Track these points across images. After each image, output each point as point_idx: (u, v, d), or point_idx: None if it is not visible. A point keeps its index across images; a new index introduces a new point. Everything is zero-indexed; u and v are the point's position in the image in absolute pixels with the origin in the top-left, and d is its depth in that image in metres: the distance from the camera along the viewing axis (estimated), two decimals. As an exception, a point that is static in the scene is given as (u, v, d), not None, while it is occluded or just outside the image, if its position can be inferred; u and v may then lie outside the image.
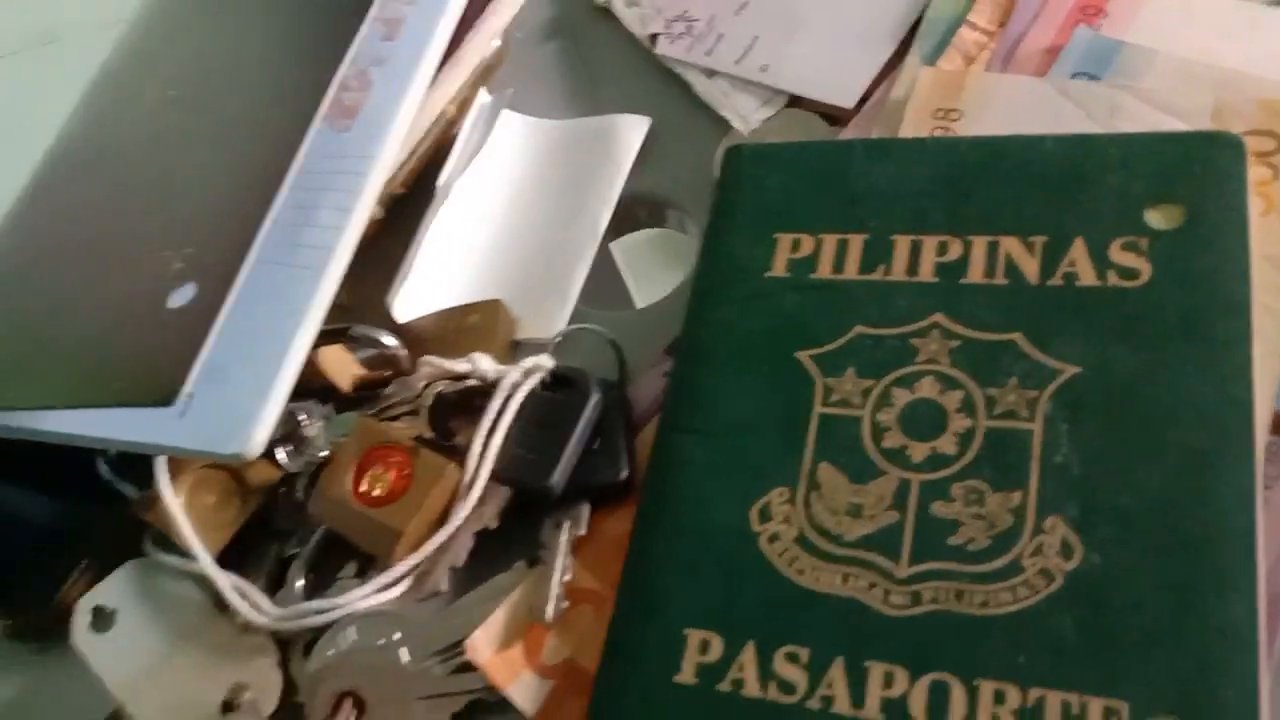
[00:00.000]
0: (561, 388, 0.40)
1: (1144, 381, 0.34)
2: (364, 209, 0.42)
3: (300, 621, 0.38)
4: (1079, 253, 0.36)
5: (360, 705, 0.36)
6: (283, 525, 0.42)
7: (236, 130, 0.44)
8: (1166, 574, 0.31)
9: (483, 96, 0.50)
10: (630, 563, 0.36)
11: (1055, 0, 0.43)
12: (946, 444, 0.35)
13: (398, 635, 0.37)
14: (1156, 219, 0.36)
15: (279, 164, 0.41)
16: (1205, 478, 0.32)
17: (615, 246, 0.48)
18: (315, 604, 0.38)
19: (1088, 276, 0.36)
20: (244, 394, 0.38)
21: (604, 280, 0.47)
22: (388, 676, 0.37)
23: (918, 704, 0.31)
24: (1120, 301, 0.35)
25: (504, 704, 0.36)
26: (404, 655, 0.37)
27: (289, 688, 0.38)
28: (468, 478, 0.39)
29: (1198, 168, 0.36)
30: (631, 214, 0.48)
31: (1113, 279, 0.35)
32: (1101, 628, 0.31)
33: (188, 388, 0.37)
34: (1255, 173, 0.37)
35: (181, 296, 0.38)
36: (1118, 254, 0.36)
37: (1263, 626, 0.30)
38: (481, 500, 0.39)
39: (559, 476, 0.38)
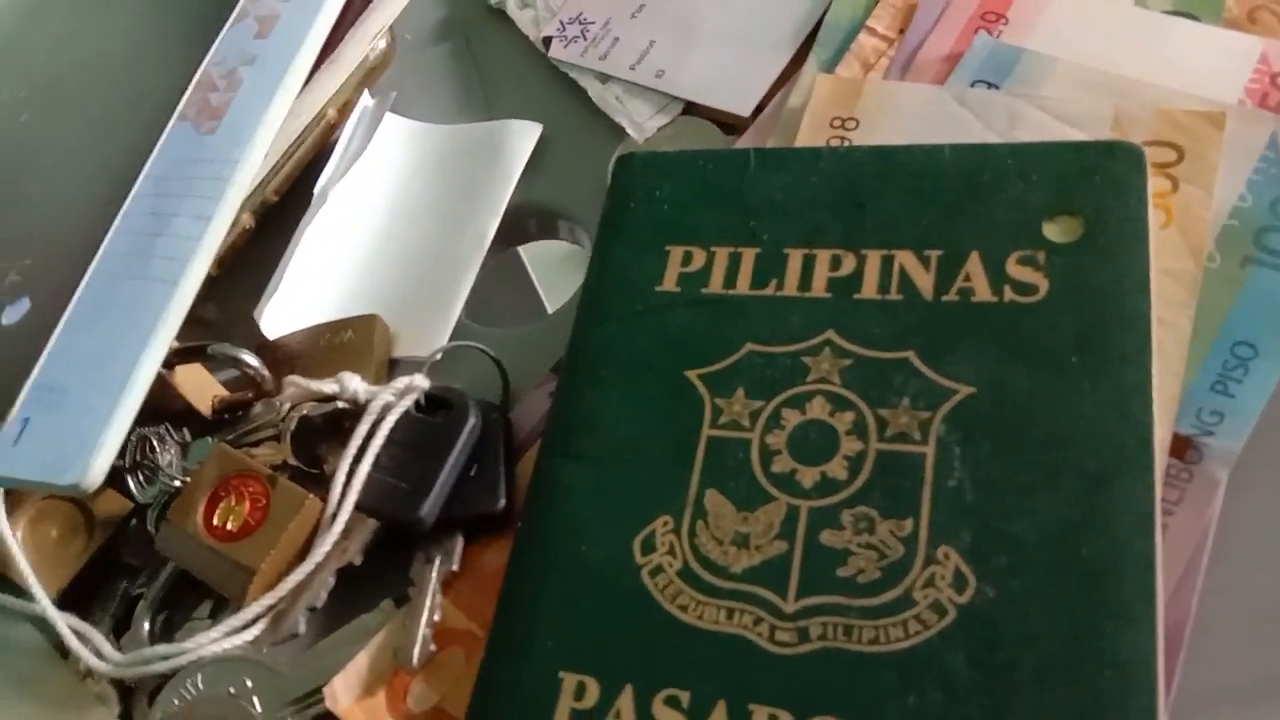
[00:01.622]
0: (438, 410, 0.38)
1: (1039, 401, 0.32)
2: (226, 217, 0.39)
3: (143, 668, 0.35)
4: (975, 267, 0.35)
5: (206, 760, 0.33)
6: (133, 561, 0.38)
7: (88, 133, 0.41)
8: (1062, 606, 0.29)
9: (366, 99, 0.47)
10: (503, 599, 0.34)
11: (955, 7, 0.41)
12: (837, 468, 0.33)
13: (249, 683, 0.34)
14: (1054, 232, 0.35)
15: (129, 168, 0.38)
16: (1102, 502, 0.30)
17: (503, 259, 0.46)
18: (160, 649, 0.35)
19: (983, 292, 0.34)
20: (84, 419, 0.35)
21: (490, 294, 0.44)
22: (238, 727, 0.34)
23: (802, 750, 0.29)
24: (1016, 318, 0.33)
25: (366, 755, 0.33)
26: (255, 705, 0.34)
27: (131, 740, 0.35)
28: (330, 510, 0.36)
29: (1097, 178, 0.35)
30: (521, 224, 0.45)
31: (1009, 294, 0.34)
32: (995, 665, 0.29)
33: (19, 411, 0.34)
34: (1155, 184, 0.35)
35: (14, 312, 0.35)
36: (1014, 268, 0.34)
37: (1161, 660, 0.28)
38: (345, 534, 0.36)
39: (430, 507, 0.35)
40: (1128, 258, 0.34)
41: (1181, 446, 0.32)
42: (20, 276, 0.36)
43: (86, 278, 0.36)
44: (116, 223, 0.39)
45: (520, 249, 0.46)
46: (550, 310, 0.45)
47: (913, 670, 0.29)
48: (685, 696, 0.30)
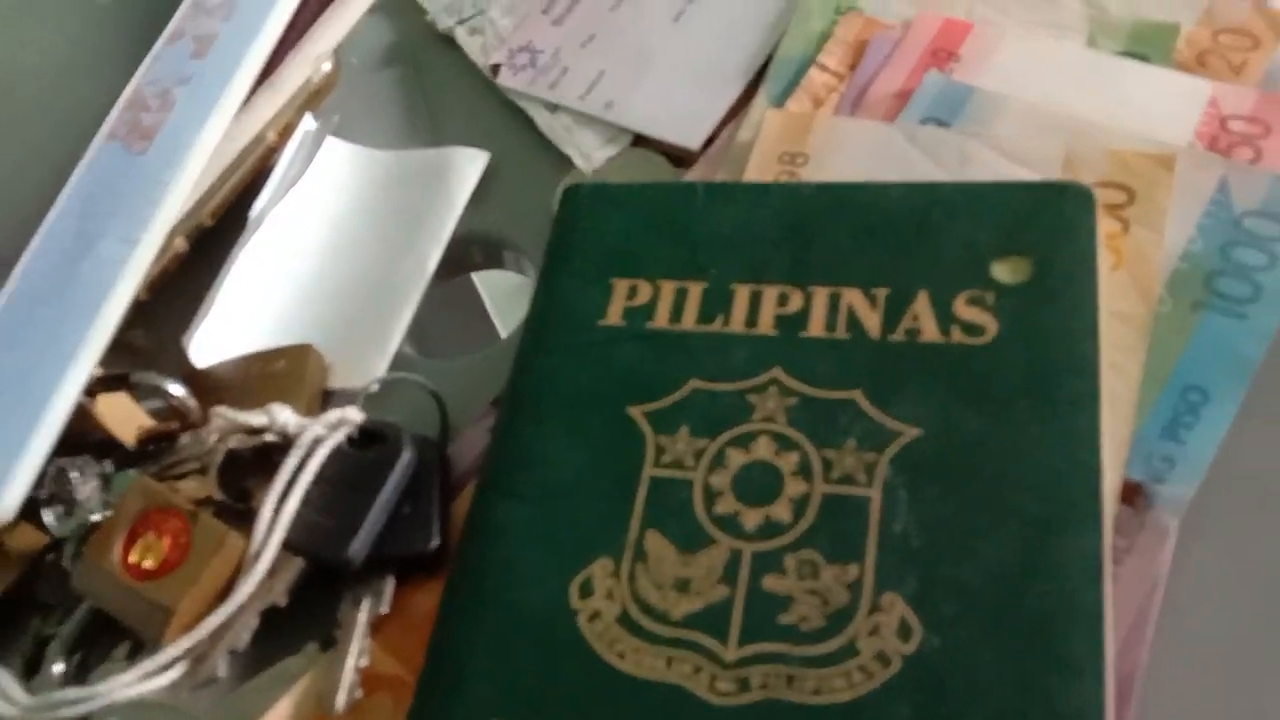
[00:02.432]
0: (372, 444, 0.36)
1: (987, 445, 0.31)
2: (154, 240, 0.38)
3: (53, 713, 0.33)
4: (922, 306, 0.34)
5: (114, 813, 0.32)
6: (46, 599, 0.36)
7: (9, 149, 0.39)
8: (1009, 656, 0.28)
9: (308, 123, 0.46)
10: (434, 643, 0.32)
11: (907, 44, 0.41)
12: (781, 510, 0.32)
13: (165, 729, 0.32)
14: (1003, 272, 0.34)
15: (51, 187, 0.36)
16: (1051, 549, 0.29)
17: (445, 290, 0.44)
18: (71, 693, 0.33)
19: (930, 332, 0.34)
20: (-5, 449, 0.33)
21: (432, 325, 0.43)
22: (150, 778, 0.32)
23: (741, 807, 0.28)
24: (964, 359, 0.33)
25: (284, 808, 0.31)
26: (171, 753, 0.32)
27: (37, 791, 0.33)
28: (255, 547, 0.34)
29: (1046, 219, 0.35)
30: (465, 254, 0.44)
31: (956, 335, 0.33)
32: (941, 718, 0.28)
33: (-76, 442, 0.32)
34: (1106, 225, 0.35)
35: (-78, 337, 0.33)
36: (962, 309, 0.34)
37: (1111, 713, 0.27)
38: (270, 573, 0.34)
39: (359, 546, 0.34)
40: (1077, 300, 0.33)
41: (1132, 493, 0.31)
42: (-68, 297, 0.34)
43: (2, 299, 0.35)
44: (36, 243, 0.37)
45: (468, 278, 0.45)
46: (496, 341, 0.44)
47: (856, 723, 0.28)
48: (620, 750, 0.29)
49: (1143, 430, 0.32)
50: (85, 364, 0.35)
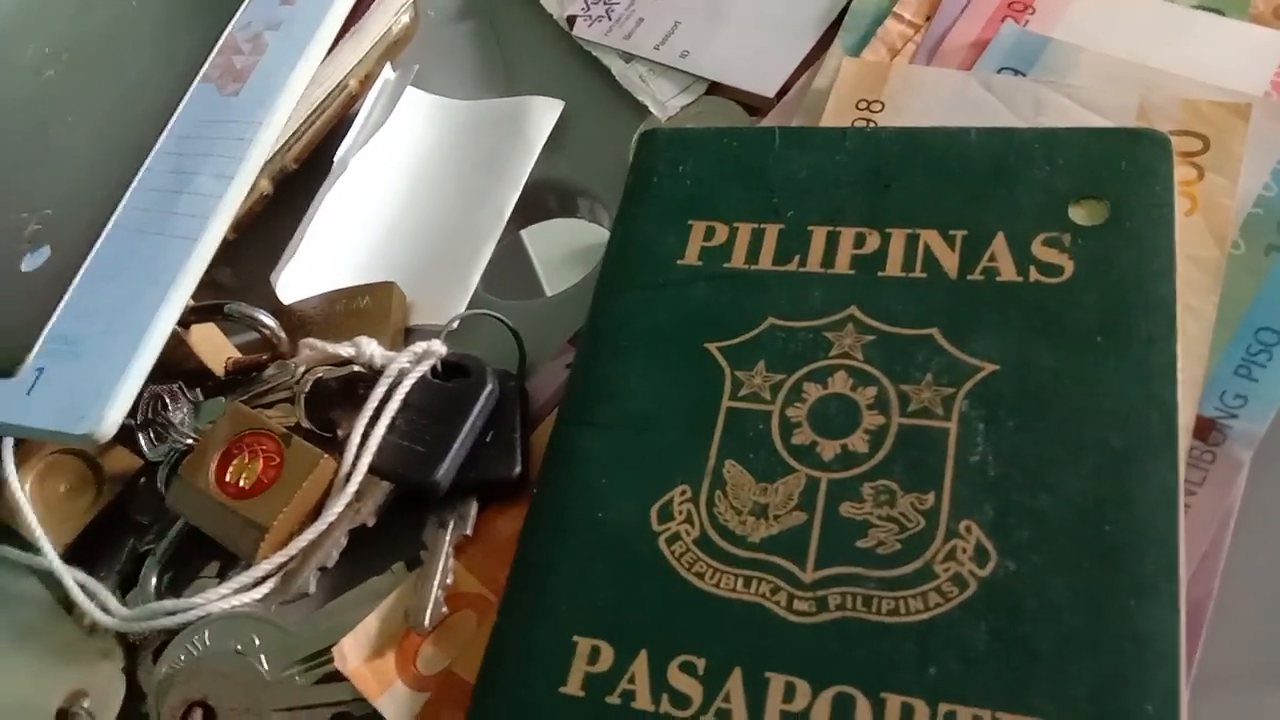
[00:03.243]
0: (454, 377, 0.38)
1: (1064, 380, 0.32)
2: (247, 177, 0.39)
3: (150, 623, 0.34)
4: (1000, 247, 0.35)
5: (211, 716, 0.33)
6: (141, 519, 0.38)
7: (112, 91, 0.41)
8: (1085, 581, 0.29)
9: (388, 72, 0.47)
10: (517, 564, 0.33)
11: (982, -4, 0.41)
12: (858, 442, 0.33)
13: (257, 641, 0.34)
14: (1080, 215, 0.35)
15: (152, 126, 0.37)
16: (1126, 479, 0.30)
17: (523, 235, 0.46)
18: (168, 604, 0.34)
19: (1008, 272, 0.34)
20: (99, 370, 0.35)
21: (508, 269, 0.44)
22: (243, 685, 0.33)
23: (820, 719, 0.29)
24: (1041, 298, 0.33)
25: (374, 717, 0.33)
26: (263, 662, 0.33)
27: (135, 696, 0.34)
28: (344, 470, 0.35)
29: (1124, 164, 0.35)
30: (541, 201, 0.45)
31: (1034, 275, 0.34)
32: (1016, 638, 0.29)
33: (33, 361, 0.33)
34: (1180, 172, 0.35)
35: (35, 260, 0.35)
36: (1040, 249, 0.34)
37: (1183, 637, 0.28)
38: (358, 495, 0.35)
39: (445, 471, 0.35)
40: (1153, 242, 0.34)
41: (1205, 428, 0.32)
42: (41, 226, 0.36)
43: (106, 231, 0.36)
44: (137, 179, 0.38)
45: (539, 226, 0.46)
46: (540, 288, 0.45)
47: (932, 641, 0.29)
48: (701, 663, 0.30)
49: (1216, 369, 0.33)
50: (183, 291, 0.36)
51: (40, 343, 0.34)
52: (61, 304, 0.33)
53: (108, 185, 0.38)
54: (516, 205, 0.44)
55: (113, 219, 0.36)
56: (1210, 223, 0.35)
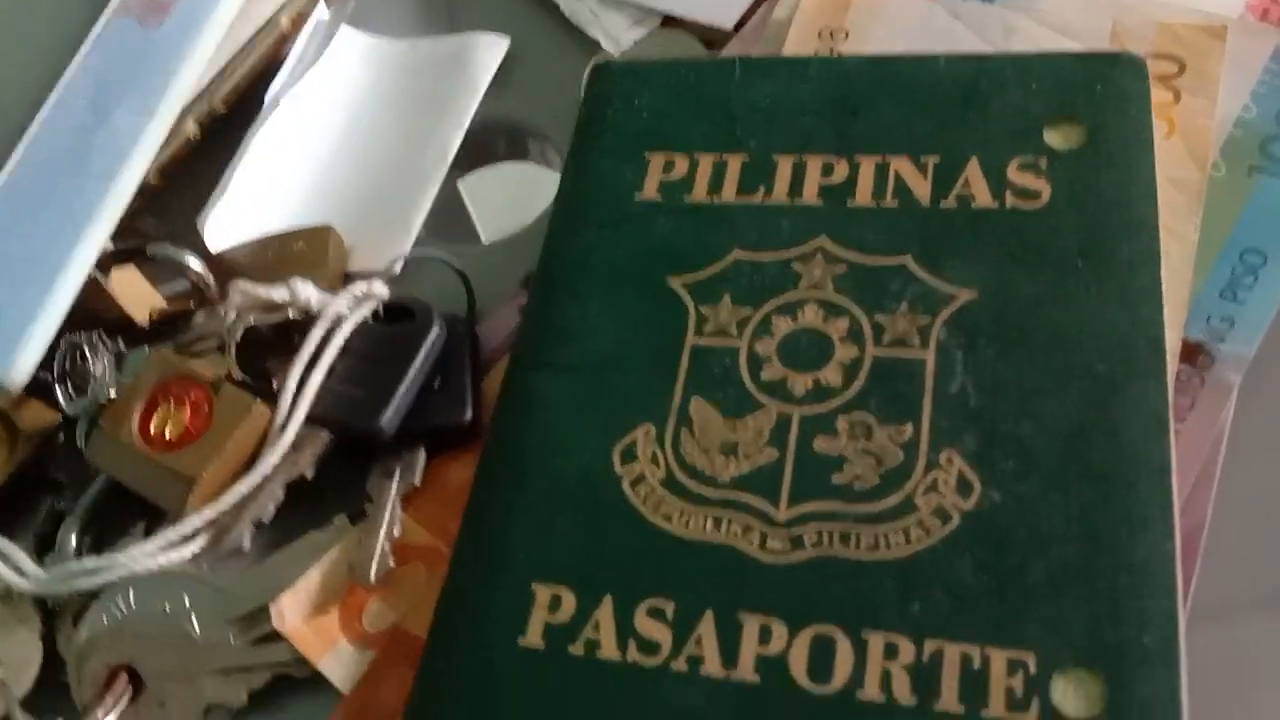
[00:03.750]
0: (398, 321, 0.35)
1: (1045, 305, 0.30)
2: (169, 113, 0.36)
3: (68, 584, 0.31)
4: (974, 173, 0.33)
5: (137, 682, 0.30)
6: (59, 477, 0.35)
7: (17, 25, 0.38)
8: (1074, 510, 0.27)
9: (321, 11, 0.44)
10: (471, 512, 0.31)
11: (946, -76, 0.40)
12: (831, 375, 0.31)
13: (187, 600, 0.31)
14: (1056, 139, 0.33)
15: (59, 60, 0.35)
16: (1114, 405, 0.28)
17: (468, 180, 0.43)
18: (88, 562, 0.31)
19: (983, 198, 0.33)
20: (9, 314, 0.32)
21: (453, 215, 0.42)
22: (173, 648, 0.31)
23: (798, 661, 0.27)
24: (1018, 223, 0.32)
25: (316, 679, 0.30)
26: (194, 624, 0.31)
27: (53, 665, 0.32)
28: (280, 418, 0.33)
29: (1099, 87, 0.34)
30: (488, 144, 0.43)
31: (1010, 200, 0.32)
32: (1004, 571, 0.27)
33: (-66, 303, 0.30)
34: (1157, 95, 0.34)
35: (-70, 194, 0.32)
36: (1015, 174, 0.33)
37: (1179, 565, 0.26)
38: (295, 445, 0.33)
39: (390, 416, 0.33)
40: (1132, 165, 0.32)
41: (1192, 352, 0.31)
42: (-61, 156, 0.33)
43: (12, 167, 0.33)
44: (45, 113, 0.36)
45: (485, 170, 0.44)
46: (487, 235, 0.42)
47: (915, 577, 0.27)
48: (670, 607, 0.28)
49: (1201, 292, 0.32)
50: (100, 232, 0.34)
51: (-61, 285, 0.31)
52: (-36, 240, 0.30)
53: (11, 121, 0.35)
54: (462, 148, 0.41)
55: (18, 155, 0.33)
56: (1190, 145, 0.34)
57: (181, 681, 0.30)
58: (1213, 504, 0.28)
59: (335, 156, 0.41)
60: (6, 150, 0.34)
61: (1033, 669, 0.26)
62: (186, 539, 0.32)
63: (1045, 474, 0.28)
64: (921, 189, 0.33)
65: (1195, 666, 0.25)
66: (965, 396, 0.30)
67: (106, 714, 0.30)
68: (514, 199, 0.42)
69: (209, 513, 0.32)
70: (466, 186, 0.44)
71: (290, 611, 0.31)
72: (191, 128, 0.41)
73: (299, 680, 0.30)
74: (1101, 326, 0.30)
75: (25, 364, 0.31)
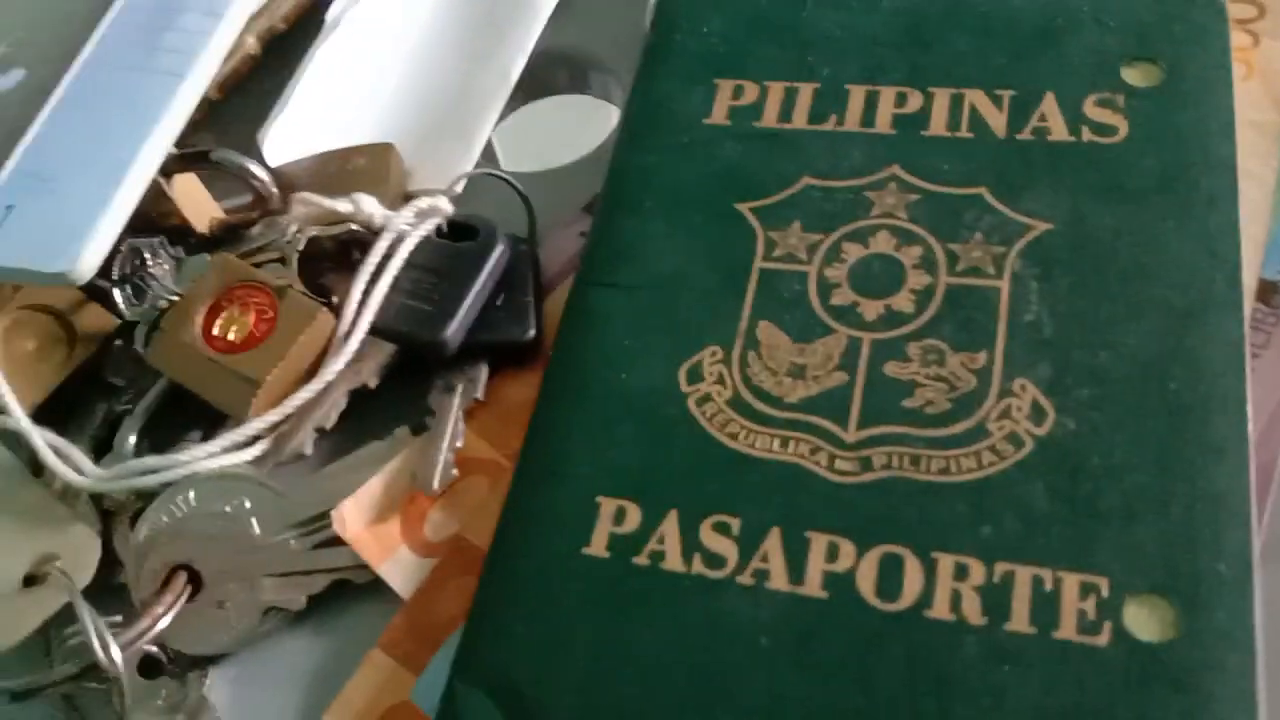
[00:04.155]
0: (461, 239, 0.35)
1: (1122, 238, 0.30)
2: (237, 16, 0.36)
3: (128, 482, 0.31)
4: (1050, 107, 0.33)
5: (196, 580, 0.30)
6: (117, 381, 0.35)
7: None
8: (1150, 438, 0.27)
9: (385, -68, 0.44)
10: (535, 426, 0.31)
11: None
12: (903, 301, 0.31)
13: (248, 503, 0.31)
14: (1134, 76, 0.33)
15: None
16: (1190, 337, 0.28)
17: (529, 110, 0.43)
18: (149, 461, 0.31)
19: (1060, 131, 0.32)
20: (75, 207, 0.32)
21: (513, 144, 0.42)
22: (233, 549, 0.31)
23: (866, 579, 0.27)
24: (1095, 157, 0.32)
25: (375, 585, 0.30)
26: (254, 526, 0.31)
27: (110, 567, 0.32)
28: (344, 327, 0.33)
29: (1177, 27, 0.33)
30: (550, 76, 0.43)
31: (1087, 134, 0.32)
32: (1077, 496, 0.27)
33: (2, 194, 0.30)
34: (1236, 39, 0.34)
35: (5, 82, 0.32)
36: (1092, 109, 0.32)
37: (1254, 497, 0.26)
38: (359, 355, 0.33)
39: (455, 330, 0.33)
40: (1210, 103, 0.32)
41: (1267, 291, 0.31)
42: (9, 49, 0.32)
43: (82, 61, 0.33)
44: (113, 13, 0.35)
45: (547, 102, 0.43)
46: (549, 162, 0.42)
47: (987, 500, 0.27)
48: (735, 523, 0.28)
49: (1278, 233, 0.31)
50: (168, 131, 0.33)
51: (8, 175, 0.31)
52: (29, 139, 0.30)
53: (84, 13, 0.34)
54: (523, 80, 0.41)
55: (89, 47, 0.32)
56: (1269, 87, 0.33)
57: (241, 582, 0.30)
58: (1287, 440, 0.28)
59: (396, 77, 0.41)
60: (76, 48, 0.34)
61: (1105, 593, 0.25)
62: (249, 442, 0.32)
63: (1120, 402, 0.28)
64: (997, 121, 0.33)
65: (1265, 605, 0.25)
66: (1040, 325, 0.29)
67: (165, 611, 0.30)
68: (576, 131, 0.42)
69: (272, 416, 0.32)
70: (528, 116, 0.44)
71: (352, 517, 0.31)
72: (252, 44, 0.41)
73: (358, 586, 0.30)
74: (1179, 260, 0.29)
75: (92, 257, 0.31)
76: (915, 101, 0.34)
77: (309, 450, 0.32)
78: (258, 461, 0.32)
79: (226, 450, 0.31)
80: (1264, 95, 0.33)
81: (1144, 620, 0.25)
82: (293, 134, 0.39)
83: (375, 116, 0.40)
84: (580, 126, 0.42)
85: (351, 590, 0.30)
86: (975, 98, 0.34)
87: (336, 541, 0.30)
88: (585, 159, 0.39)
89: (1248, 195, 0.31)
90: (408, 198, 0.38)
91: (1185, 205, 0.30)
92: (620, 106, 0.39)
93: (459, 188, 0.37)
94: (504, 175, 0.37)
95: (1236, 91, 0.32)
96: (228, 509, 0.31)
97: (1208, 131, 0.31)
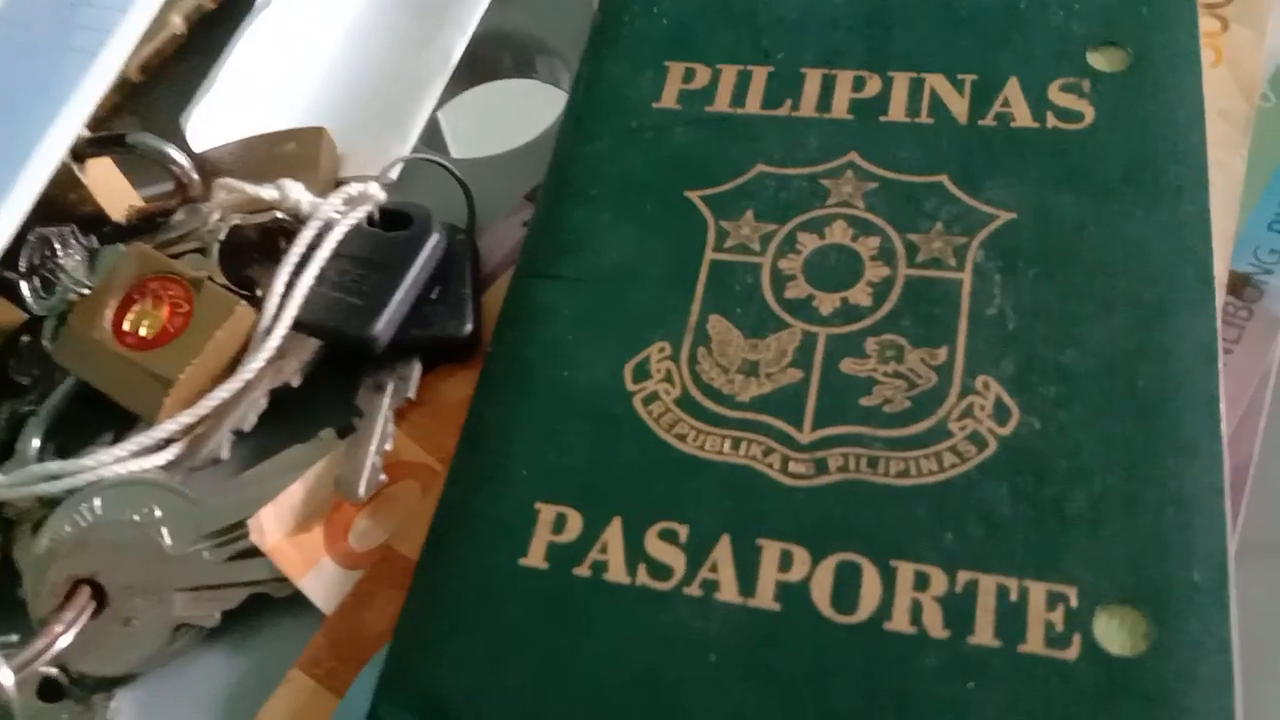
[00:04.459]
0: (394, 228, 0.33)
1: (1088, 229, 0.29)
2: (156, -7, 0.34)
3: (29, 489, 0.29)
4: (1013, 92, 0.31)
5: (101, 595, 0.28)
6: (21, 379, 0.32)
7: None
8: (1118, 439, 0.26)
9: (319, -93, 0.41)
10: (470, 427, 0.29)
11: None
12: (860, 295, 0.29)
13: (159, 511, 0.29)
14: (1100, 61, 0.32)
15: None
16: (1160, 333, 0.27)
17: (471, 95, 0.41)
18: (52, 466, 0.29)
19: (1024, 118, 0.31)
20: (-29, 194, 0.29)
21: (454, 131, 0.40)
22: (141, 561, 0.28)
23: (822, 589, 0.25)
24: (1061, 144, 0.30)
25: (295, 599, 0.28)
26: (165, 536, 0.28)
27: (9, 577, 0.29)
28: (266, 321, 0.31)
29: (1144, 10, 0.32)
30: (493, 58, 0.41)
31: (1052, 121, 0.31)
32: (1043, 500, 0.25)
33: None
34: (1204, 24, 0.32)
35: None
36: (1057, 95, 0.31)
37: (1228, 500, 0.25)
38: (282, 351, 0.31)
39: (385, 325, 0.31)
40: (1179, 89, 0.31)
41: (1239, 284, 0.29)
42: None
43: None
44: (23, -16, 0.33)
45: (489, 87, 0.41)
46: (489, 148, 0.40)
47: (949, 504, 0.26)
48: (683, 530, 0.26)
49: (1248, 225, 0.30)
50: (78, 113, 0.31)
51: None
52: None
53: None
54: (465, 63, 0.39)
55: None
56: (1236, 75, 0.32)
57: (149, 597, 0.28)
58: (1260, 440, 0.27)
59: (330, 58, 0.39)
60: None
61: (1074, 603, 0.24)
62: (160, 445, 0.29)
63: (1088, 401, 0.26)
64: (958, 106, 0.31)
65: (1241, 607, 0.24)
66: (1003, 320, 0.28)
67: (66, 628, 0.27)
68: (520, 116, 0.40)
69: (186, 418, 0.29)
70: (469, 102, 0.42)
71: (270, 526, 0.28)
72: (178, 23, 0.39)
73: (277, 601, 0.28)
74: (1148, 253, 0.28)
75: (-10, 248, 0.29)
76: (874, 86, 0.32)
77: (226, 454, 0.30)
78: (170, 466, 0.30)
79: (136, 454, 0.29)
80: (1232, 83, 0.32)
81: (1114, 632, 0.24)
82: (219, 118, 0.37)
83: (307, 100, 0.38)
84: (525, 111, 0.40)
85: (270, 605, 0.28)
86: (936, 82, 0.32)
87: (254, 552, 0.28)
88: (529, 145, 0.37)
89: (1217, 186, 0.30)
90: (339, 185, 0.36)
91: (1154, 196, 0.29)
92: (567, 91, 0.37)
93: (393, 174, 0.35)
94: (441, 161, 0.35)
95: (1204, 79, 0.31)
96: (136, 518, 0.29)
97: (1176, 118, 0.30)
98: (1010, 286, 0.28)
